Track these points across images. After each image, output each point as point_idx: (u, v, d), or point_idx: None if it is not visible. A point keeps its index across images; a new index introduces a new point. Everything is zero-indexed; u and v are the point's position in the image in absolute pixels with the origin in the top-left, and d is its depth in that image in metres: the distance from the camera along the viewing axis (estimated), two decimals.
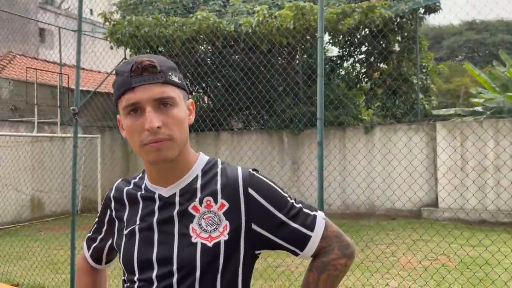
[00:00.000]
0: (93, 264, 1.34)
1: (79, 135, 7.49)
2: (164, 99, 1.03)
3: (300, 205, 1.14)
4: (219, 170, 1.13)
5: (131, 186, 1.20)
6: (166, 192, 1.11)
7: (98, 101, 10.94)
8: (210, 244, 1.04)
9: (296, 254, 1.13)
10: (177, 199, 1.10)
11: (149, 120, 1.01)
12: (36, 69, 9.83)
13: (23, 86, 9.75)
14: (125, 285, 1.16)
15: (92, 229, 1.31)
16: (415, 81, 10.61)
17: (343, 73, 11.93)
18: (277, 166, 10.20)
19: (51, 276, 5.27)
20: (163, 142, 1.03)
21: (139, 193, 1.16)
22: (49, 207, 10.16)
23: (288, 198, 1.12)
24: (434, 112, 11.64)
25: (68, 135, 10.31)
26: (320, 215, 1.15)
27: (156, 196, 1.12)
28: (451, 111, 11.79)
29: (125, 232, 1.14)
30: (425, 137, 9.29)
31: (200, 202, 1.08)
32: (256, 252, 1.12)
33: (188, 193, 1.10)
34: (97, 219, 1.29)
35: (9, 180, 9.24)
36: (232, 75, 9.43)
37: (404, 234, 6.46)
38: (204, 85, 11.91)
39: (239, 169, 1.13)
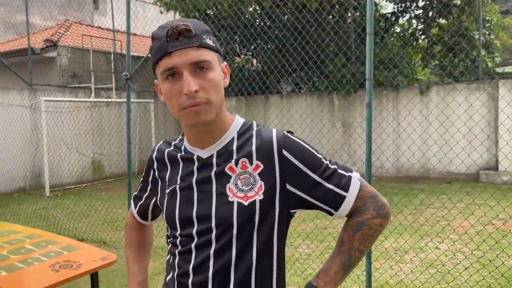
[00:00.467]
0: (140, 220, 1.43)
1: (133, 100, 7.79)
2: (201, 62, 1.04)
3: (335, 166, 1.14)
4: (254, 132, 1.16)
5: (172, 148, 1.25)
6: (204, 153, 1.15)
7: (150, 66, 11.21)
8: (246, 203, 1.08)
9: (331, 214, 1.14)
10: (214, 160, 1.13)
11: (187, 84, 1.03)
12: (91, 36, 10.17)
13: (79, 53, 10.16)
14: (169, 240, 1.25)
15: (138, 188, 1.39)
16: (476, 36, 9.91)
17: (398, 30, 11.36)
18: (326, 129, 10.08)
19: (112, 233, 5.65)
20: (201, 106, 1.05)
21: (179, 154, 1.20)
22: (108, 169, 10.75)
23: (323, 159, 1.13)
24: (498, 69, 10.89)
25: (123, 100, 10.71)
26: (355, 175, 1.15)
27: (195, 157, 1.16)
28: None
29: (167, 191, 1.20)
30: (486, 97, 8.76)
31: (236, 163, 1.12)
32: (291, 211, 1.15)
33: (224, 155, 1.13)
34: (142, 178, 1.36)
35: (72, 143, 9.82)
36: (281, 37, 9.27)
37: (460, 197, 6.26)
38: (252, 47, 11.81)
39: (274, 131, 1.14)
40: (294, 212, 1.16)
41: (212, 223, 1.10)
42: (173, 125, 12.42)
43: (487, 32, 10.75)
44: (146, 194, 1.35)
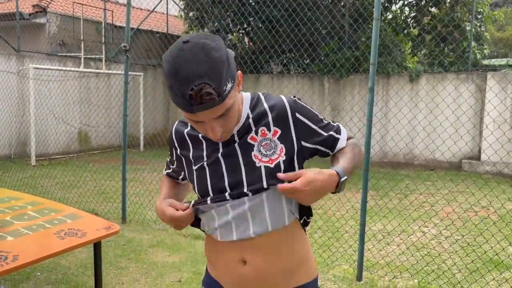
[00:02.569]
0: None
1: (122, 72, 7.63)
2: (224, 113, 1.10)
3: (327, 120, 1.34)
4: (264, 102, 1.26)
5: (189, 128, 1.31)
6: None
7: (143, 38, 11.00)
8: (272, 165, 1.20)
9: (328, 155, 1.32)
10: (236, 137, 1.23)
11: (214, 134, 1.13)
12: (82, 4, 9.90)
13: (69, 21, 9.90)
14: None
15: (168, 160, 1.46)
16: (468, 27, 10.03)
17: (390, 17, 11.38)
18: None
19: (104, 204, 5.64)
20: (222, 137, 1.17)
21: (200, 134, 1.27)
22: (95, 140, 10.62)
23: (321, 117, 1.32)
24: (485, 62, 11.08)
25: (114, 71, 10.53)
26: (339, 124, 1.36)
27: None
28: (503, 61, 11.20)
29: (194, 168, 1.28)
30: (473, 88, 8.93)
31: (256, 133, 1.23)
32: (305, 162, 1.31)
33: (244, 129, 1.24)
34: (169, 153, 1.42)
35: (59, 113, 9.65)
36: (275, 16, 9.19)
37: (443, 186, 6.44)
38: (245, 25, 11.69)
39: (283, 98, 1.27)
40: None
41: (244, 188, 1.20)
42: (162, 100, 12.30)
43: (478, 24, 10.88)
44: (174, 166, 1.43)
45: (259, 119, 1.23)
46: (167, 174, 1.48)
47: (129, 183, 6.21)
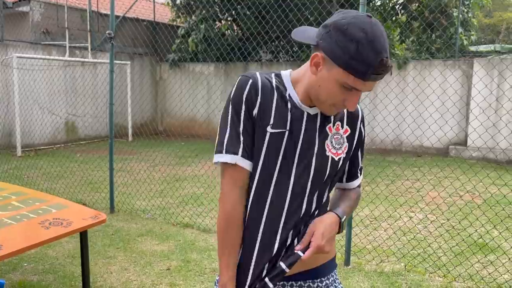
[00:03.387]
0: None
1: (108, 60, 7.54)
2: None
3: None
4: None
5: (275, 89, 1.26)
6: (311, 111, 1.27)
7: (129, 26, 10.85)
8: (336, 158, 1.30)
9: (340, 181, 1.43)
10: (318, 118, 1.27)
11: (353, 105, 1.18)
12: None
13: (53, 9, 9.71)
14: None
15: (230, 133, 1.26)
16: (455, 14, 10.05)
17: (378, 3, 11.36)
18: None
19: (92, 194, 5.61)
20: (337, 109, 1.23)
21: (289, 103, 1.25)
22: (82, 130, 10.52)
23: None
24: (472, 48, 11.14)
25: (99, 60, 10.38)
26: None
27: (305, 114, 1.26)
28: (490, 47, 11.26)
29: (269, 131, 1.23)
30: (460, 74, 8.99)
31: (333, 124, 1.30)
32: None
33: (324, 117, 1.28)
34: (232, 121, 1.27)
35: (44, 103, 9.52)
36: (262, 3, 9.12)
37: (432, 171, 6.50)
38: (233, 12, 11.59)
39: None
40: None
41: (312, 168, 1.26)
42: (149, 89, 12.19)
43: (465, 10, 10.91)
44: (244, 140, 1.24)
45: (338, 113, 1.29)
46: (241, 159, 1.23)
47: (117, 173, 6.18)
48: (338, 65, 1.10)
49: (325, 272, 1.34)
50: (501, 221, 4.28)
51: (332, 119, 1.30)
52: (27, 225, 2.61)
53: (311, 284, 1.32)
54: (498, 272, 3.46)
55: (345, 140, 1.32)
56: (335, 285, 1.36)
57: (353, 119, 1.34)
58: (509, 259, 3.63)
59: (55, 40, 10.03)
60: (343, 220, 1.28)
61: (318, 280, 1.32)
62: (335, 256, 1.41)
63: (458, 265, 3.58)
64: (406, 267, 3.59)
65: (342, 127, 1.32)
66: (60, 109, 9.82)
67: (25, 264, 3.55)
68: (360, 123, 1.36)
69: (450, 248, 3.95)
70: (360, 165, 1.41)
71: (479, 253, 3.81)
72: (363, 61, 1.07)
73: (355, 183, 1.43)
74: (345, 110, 1.32)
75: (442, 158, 8.68)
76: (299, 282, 1.31)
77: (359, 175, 1.43)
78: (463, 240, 4.02)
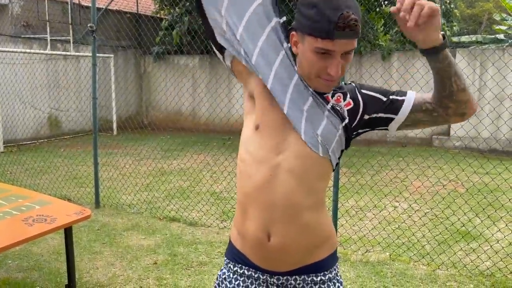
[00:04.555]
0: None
1: (90, 54, 7.42)
2: (349, 51, 1.14)
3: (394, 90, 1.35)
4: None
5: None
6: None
7: (112, 19, 10.69)
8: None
9: (390, 121, 1.28)
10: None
11: (336, 70, 1.14)
12: None
13: (33, 1, 9.50)
14: None
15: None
16: (437, 4, 10.12)
17: None
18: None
19: (76, 189, 5.55)
20: (333, 82, 1.20)
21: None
22: (66, 125, 10.38)
23: (387, 89, 1.33)
24: (455, 39, 11.26)
25: (82, 53, 10.23)
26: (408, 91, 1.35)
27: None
28: (473, 38, 11.40)
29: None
30: None
31: (332, 96, 1.28)
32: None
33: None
34: None
35: (26, 97, 9.35)
36: None
37: (416, 161, 6.59)
38: None
39: (352, 83, 1.34)
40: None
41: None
42: (134, 82, 12.07)
43: (447, 1, 11.01)
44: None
45: (337, 88, 1.27)
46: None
47: (102, 167, 6.13)
48: (306, 34, 1.14)
49: (328, 265, 1.32)
50: (483, 209, 4.37)
51: (331, 91, 1.27)
52: (10, 222, 2.57)
53: (314, 278, 1.29)
54: (480, 259, 3.54)
55: (345, 115, 1.26)
56: (337, 278, 1.34)
57: (352, 93, 1.29)
58: (491, 246, 3.71)
59: (36, 33, 9.83)
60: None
61: (321, 274, 1.30)
62: (336, 250, 1.39)
63: (441, 253, 3.65)
64: (391, 256, 3.65)
65: (345, 99, 1.27)
66: (43, 104, 9.66)
67: (10, 262, 3.51)
68: (359, 93, 1.28)
69: (434, 237, 4.02)
70: (394, 98, 1.26)
71: (461, 241, 3.89)
72: (324, 20, 1.09)
73: (408, 104, 1.26)
74: (344, 86, 1.29)
75: (425, 148, 8.80)
76: (303, 276, 1.28)
77: (403, 99, 1.26)
78: (446, 228, 4.09)
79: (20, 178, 6.09)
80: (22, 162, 7.04)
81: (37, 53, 9.32)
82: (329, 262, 1.32)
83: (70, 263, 2.82)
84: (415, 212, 4.76)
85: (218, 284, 1.36)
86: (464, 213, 4.27)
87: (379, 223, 4.40)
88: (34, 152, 8.18)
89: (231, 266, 1.33)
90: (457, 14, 11.93)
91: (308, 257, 1.28)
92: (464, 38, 11.53)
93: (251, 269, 1.29)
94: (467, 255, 3.64)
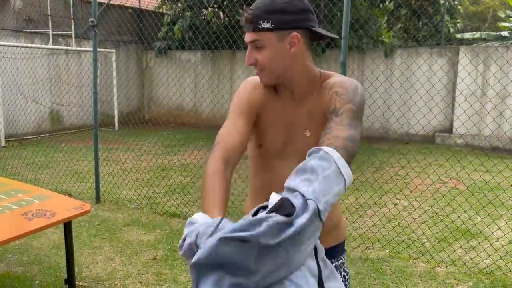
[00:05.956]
0: None
1: (92, 49, 7.41)
2: (253, 42, 1.28)
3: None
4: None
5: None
6: None
7: (113, 14, 10.67)
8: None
9: None
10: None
11: (246, 59, 1.32)
12: None
13: None
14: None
15: None
16: (441, 1, 10.08)
17: None
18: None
19: (77, 184, 5.56)
20: (258, 73, 1.33)
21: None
22: (67, 120, 10.38)
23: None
24: (458, 36, 11.20)
25: (84, 48, 10.22)
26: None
27: None
28: (476, 35, 11.34)
29: None
30: (446, 61, 9.05)
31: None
32: None
33: None
34: None
35: (28, 92, 9.36)
36: None
37: (417, 159, 6.57)
38: None
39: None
40: None
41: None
42: (136, 77, 12.06)
43: None
44: None
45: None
46: None
47: (102, 162, 6.14)
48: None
49: (336, 254, 1.39)
50: (483, 207, 4.36)
51: None
52: (10, 216, 2.58)
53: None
54: (480, 257, 3.53)
55: None
56: (343, 268, 1.41)
57: None
58: (491, 244, 3.70)
59: (38, 28, 9.83)
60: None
61: (335, 260, 1.38)
62: (344, 241, 1.46)
63: (441, 251, 3.64)
64: (391, 253, 3.64)
65: None
66: (44, 98, 9.66)
67: (10, 256, 3.52)
68: None
69: (434, 234, 4.02)
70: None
71: (461, 239, 3.89)
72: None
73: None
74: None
75: (427, 145, 8.78)
76: None
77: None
78: (446, 226, 4.09)
79: (21, 173, 6.10)
80: (23, 157, 7.05)
81: (39, 48, 9.31)
82: (336, 251, 1.40)
83: (69, 257, 2.82)
84: (415, 209, 4.75)
85: None
86: (465, 211, 4.26)
87: (379, 220, 4.39)
88: (35, 147, 8.19)
89: None
90: (461, 11, 11.86)
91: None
92: (468, 35, 11.47)
93: None
94: (466, 253, 3.63)
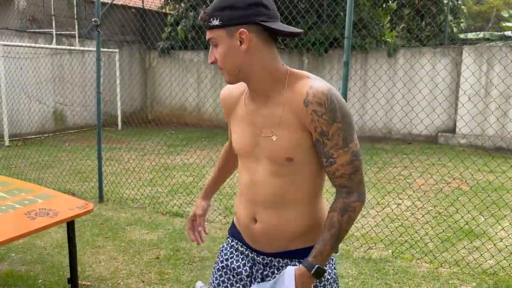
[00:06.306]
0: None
1: (95, 48, 7.43)
2: (210, 40, 1.29)
3: None
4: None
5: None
6: None
7: (116, 14, 10.70)
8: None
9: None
10: None
11: (209, 56, 1.33)
12: None
13: None
14: None
15: None
16: (445, 1, 10.05)
17: None
18: None
19: (80, 184, 5.57)
20: (220, 70, 1.32)
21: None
22: (71, 120, 10.41)
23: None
24: (461, 36, 11.17)
25: (87, 48, 10.24)
26: None
27: None
28: (480, 35, 11.30)
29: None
30: (449, 61, 9.02)
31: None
32: None
33: None
34: None
35: (32, 92, 9.39)
36: None
37: (420, 159, 6.56)
38: None
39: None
40: None
41: None
42: (139, 77, 12.08)
43: None
44: None
45: None
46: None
47: (105, 162, 6.15)
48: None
49: (304, 255, 1.37)
50: (487, 207, 4.34)
51: None
52: (13, 215, 2.58)
53: (296, 263, 1.36)
54: (483, 257, 3.52)
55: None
56: (328, 271, 1.38)
57: None
58: (494, 245, 3.69)
59: (42, 28, 9.86)
60: (313, 272, 1.24)
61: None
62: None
63: (444, 251, 3.63)
64: (394, 253, 3.63)
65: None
66: (48, 98, 9.69)
67: (13, 255, 3.53)
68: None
69: (437, 234, 4.00)
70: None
71: (465, 239, 3.87)
72: None
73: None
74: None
75: (430, 145, 8.75)
76: (286, 260, 1.37)
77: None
78: (449, 226, 4.07)
79: (24, 172, 6.12)
80: (27, 156, 7.07)
81: (43, 48, 9.34)
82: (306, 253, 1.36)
83: (72, 256, 2.83)
84: (418, 209, 4.74)
85: (218, 256, 1.53)
86: (468, 211, 4.24)
87: (382, 220, 4.38)
88: (39, 146, 8.22)
89: (230, 241, 1.51)
90: (465, 11, 11.83)
91: (292, 243, 1.36)
92: (471, 35, 11.43)
93: (243, 246, 1.44)
94: (470, 253, 3.62)
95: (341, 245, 3.74)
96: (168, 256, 3.54)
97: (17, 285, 3.06)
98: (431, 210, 4.67)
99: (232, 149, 1.56)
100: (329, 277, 1.38)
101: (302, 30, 1.32)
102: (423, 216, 4.53)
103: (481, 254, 3.55)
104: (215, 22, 1.24)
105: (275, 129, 1.27)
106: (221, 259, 1.50)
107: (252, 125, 1.33)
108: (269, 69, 1.27)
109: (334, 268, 1.42)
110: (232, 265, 1.45)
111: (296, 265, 1.33)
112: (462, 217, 4.23)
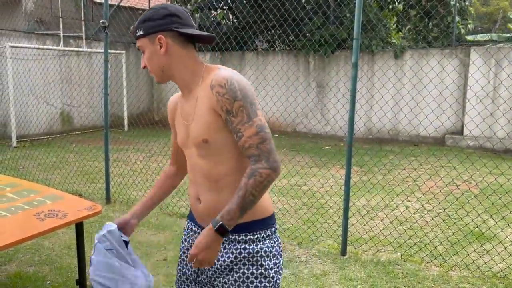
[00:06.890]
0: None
1: (103, 50, 7.47)
2: (139, 48, 1.51)
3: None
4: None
5: None
6: None
7: (124, 16, 10.73)
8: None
9: None
10: None
11: (141, 62, 1.56)
12: None
13: None
14: None
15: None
16: (452, 2, 9.98)
17: None
18: (302, 88, 10.11)
19: (87, 185, 5.58)
20: (150, 74, 1.55)
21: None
22: (78, 121, 10.45)
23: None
24: (469, 37, 11.10)
25: (94, 50, 10.28)
26: None
27: None
28: (487, 36, 11.22)
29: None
30: (457, 63, 8.96)
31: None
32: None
33: None
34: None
35: (39, 93, 9.43)
36: None
37: (429, 161, 6.51)
38: (229, 1, 11.48)
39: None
40: None
41: None
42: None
43: None
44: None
45: None
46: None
47: (113, 163, 6.15)
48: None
49: (250, 228, 1.48)
50: (498, 210, 4.29)
51: None
52: (22, 216, 2.58)
53: (236, 236, 1.48)
54: (494, 261, 3.48)
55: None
56: (265, 244, 1.49)
57: None
58: (505, 248, 3.65)
59: (49, 29, 9.92)
60: (216, 227, 1.34)
61: (243, 234, 1.48)
62: (267, 218, 1.52)
63: (454, 255, 3.59)
64: (403, 256, 3.60)
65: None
66: (55, 99, 9.74)
67: (21, 256, 3.53)
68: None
69: (447, 237, 3.96)
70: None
71: (475, 243, 3.83)
72: None
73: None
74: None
75: (439, 147, 8.69)
76: (234, 236, 1.49)
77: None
78: (459, 229, 4.03)
79: (32, 173, 6.14)
80: (34, 157, 7.10)
81: (50, 49, 9.38)
82: (252, 225, 1.48)
83: (81, 258, 2.83)
84: (427, 212, 4.70)
85: (181, 238, 1.73)
86: (478, 214, 4.20)
87: (391, 222, 4.35)
88: (46, 147, 8.25)
89: (187, 224, 1.70)
90: (472, 12, 11.75)
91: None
92: (480, 37, 11.35)
93: (196, 226, 1.62)
94: (480, 256, 3.57)
95: (349, 248, 3.71)
96: (176, 257, 3.53)
97: (26, 286, 3.06)
98: (441, 212, 4.63)
99: (171, 169, 1.81)
100: (267, 250, 1.48)
101: (214, 35, 1.49)
102: (432, 218, 4.49)
103: (492, 258, 3.51)
104: (140, 32, 1.48)
105: (192, 116, 1.47)
106: (182, 241, 1.71)
107: (183, 117, 1.54)
108: (187, 66, 1.48)
109: (278, 246, 1.54)
110: (189, 245, 1.64)
111: (236, 239, 1.48)
112: (472, 220, 4.18)
